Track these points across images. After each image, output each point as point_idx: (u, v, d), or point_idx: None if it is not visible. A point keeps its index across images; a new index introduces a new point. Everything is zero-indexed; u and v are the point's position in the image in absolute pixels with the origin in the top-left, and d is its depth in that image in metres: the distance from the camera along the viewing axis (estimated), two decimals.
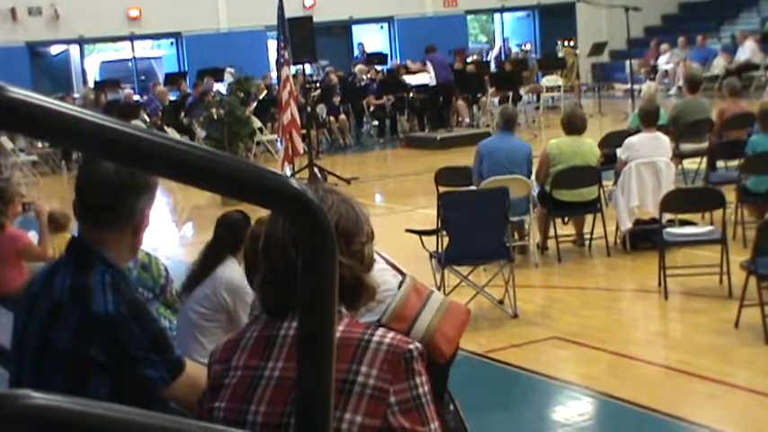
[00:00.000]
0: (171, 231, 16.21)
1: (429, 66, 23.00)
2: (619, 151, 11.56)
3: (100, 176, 3.38)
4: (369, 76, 26.58)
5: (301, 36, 17.75)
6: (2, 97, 1.18)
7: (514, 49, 33.84)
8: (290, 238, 2.58)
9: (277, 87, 19.14)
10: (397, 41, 32.36)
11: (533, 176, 11.33)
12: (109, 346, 3.27)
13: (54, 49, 30.90)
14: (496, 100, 25.25)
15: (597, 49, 29.49)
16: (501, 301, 9.69)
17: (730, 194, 10.77)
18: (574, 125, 11.49)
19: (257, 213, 5.04)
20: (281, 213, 2.12)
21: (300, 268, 1.52)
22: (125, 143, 1.26)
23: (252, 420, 2.56)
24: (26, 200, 9.58)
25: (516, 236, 11.30)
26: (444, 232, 9.73)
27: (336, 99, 24.46)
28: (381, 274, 4.74)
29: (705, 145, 13.74)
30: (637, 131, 11.85)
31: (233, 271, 6.24)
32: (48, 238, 9.01)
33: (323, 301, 1.51)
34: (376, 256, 4.83)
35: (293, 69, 18.24)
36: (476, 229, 9.42)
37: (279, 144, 20.96)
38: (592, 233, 11.71)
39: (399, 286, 4.80)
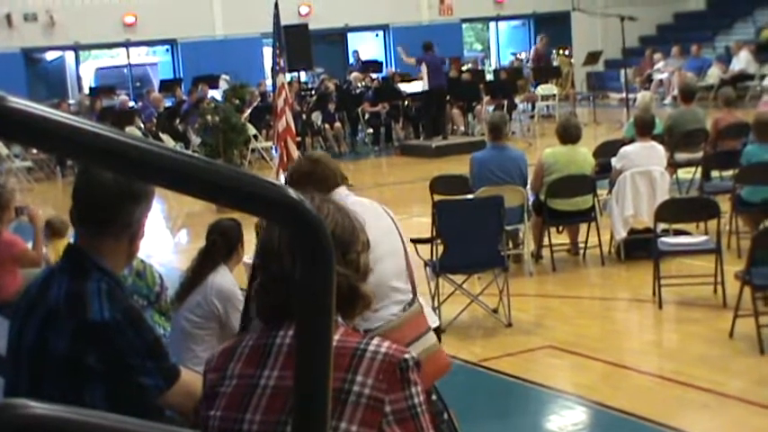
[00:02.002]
0: (165, 238, 16.19)
1: (423, 68, 22.87)
2: (613, 160, 11.57)
3: (97, 185, 3.39)
4: (364, 83, 26.60)
5: (297, 43, 17.78)
6: (2, 108, 1.18)
7: (510, 58, 33.88)
8: (286, 247, 2.59)
9: (272, 94, 19.14)
10: (393, 49, 32.38)
11: (529, 186, 11.34)
12: (104, 353, 3.27)
13: (49, 56, 30.91)
14: (491, 108, 25.26)
15: (592, 58, 29.54)
16: (495, 310, 9.69)
17: (725, 204, 10.80)
18: (569, 134, 11.50)
19: (250, 221, 5.05)
20: (278, 223, 2.12)
21: (298, 277, 1.52)
22: (124, 153, 1.27)
23: (247, 429, 2.56)
24: (18, 204, 9.55)
25: (511, 244, 11.31)
26: (439, 241, 9.73)
27: (332, 106, 24.47)
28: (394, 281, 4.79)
29: (700, 155, 13.74)
30: (632, 141, 11.88)
31: (223, 278, 6.25)
32: (42, 243, 9.00)
33: (320, 310, 1.51)
34: (402, 260, 4.88)
35: (288, 77, 18.26)
36: (470, 237, 9.42)
37: (274, 151, 20.95)
38: (586, 242, 11.72)
39: (406, 308, 4.84)
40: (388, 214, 5.14)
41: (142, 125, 24.26)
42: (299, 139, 17.92)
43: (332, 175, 5.11)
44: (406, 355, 2.56)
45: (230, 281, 6.29)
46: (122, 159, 1.28)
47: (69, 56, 30.83)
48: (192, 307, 6.16)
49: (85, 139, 1.23)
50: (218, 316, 6.11)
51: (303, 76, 22.01)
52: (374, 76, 28.28)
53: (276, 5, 17.30)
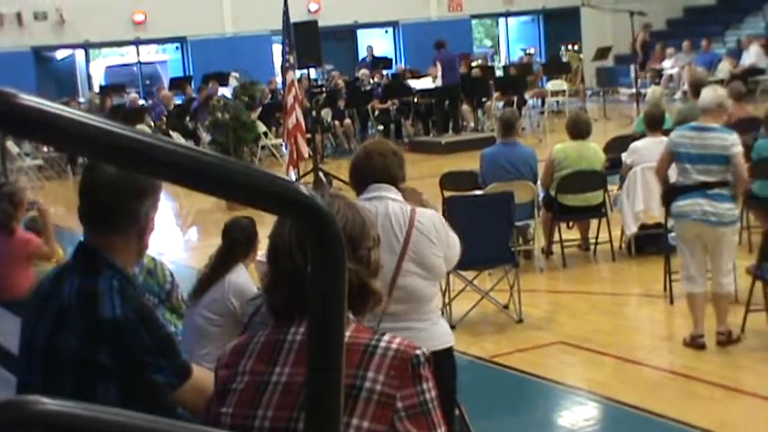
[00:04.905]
0: (176, 236, 16.21)
1: (438, 66, 22.87)
2: (624, 156, 11.54)
3: (102, 182, 3.39)
4: (374, 80, 26.57)
5: (306, 40, 17.74)
6: (14, 104, 1.18)
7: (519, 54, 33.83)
8: (296, 243, 2.59)
9: (282, 92, 19.16)
10: (402, 46, 32.36)
11: (539, 181, 11.32)
12: (116, 350, 3.27)
13: (59, 54, 30.93)
14: (501, 104, 25.23)
15: (602, 53, 29.49)
16: (506, 306, 9.68)
17: None
18: (579, 130, 11.49)
19: (263, 219, 5.05)
20: (290, 219, 2.12)
21: (310, 274, 1.52)
22: (137, 150, 1.27)
23: (259, 426, 2.56)
24: (28, 199, 9.58)
25: (521, 240, 11.30)
26: None
27: (341, 103, 24.44)
28: None
29: None
30: (642, 136, 11.82)
31: (240, 275, 6.28)
32: (53, 236, 9.05)
33: (332, 306, 1.51)
34: None
35: (298, 74, 18.27)
36: (481, 233, 9.40)
37: (284, 148, 20.96)
38: (597, 238, 11.71)
39: None
40: (412, 226, 5.23)
41: (152, 123, 24.27)
42: (308, 135, 17.93)
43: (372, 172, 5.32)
44: (418, 351, 2.56)
45: (247, 279, 6.33)
46: (134, 156, 1.28)
47: (79, 54, 30.86)
48: (207, 304, 6.19)
49: (97, 136, 1.24)
50: (234, 313, 6.13)
51: (313, 73, 21.96)
52: (384, 72, 28.25)
53: (285, 2, 17.33)
